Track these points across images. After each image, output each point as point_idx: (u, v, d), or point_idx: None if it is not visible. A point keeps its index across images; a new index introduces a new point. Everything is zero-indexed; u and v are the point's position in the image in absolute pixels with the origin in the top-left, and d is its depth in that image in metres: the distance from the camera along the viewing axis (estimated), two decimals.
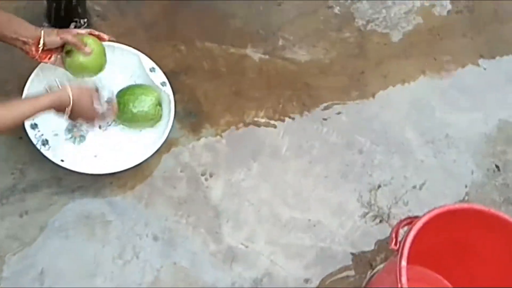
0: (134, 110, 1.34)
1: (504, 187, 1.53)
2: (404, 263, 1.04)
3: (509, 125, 1.63)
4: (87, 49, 1.22)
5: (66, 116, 1.14)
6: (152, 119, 1.37)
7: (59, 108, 1.12)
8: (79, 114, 1.16)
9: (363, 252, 1.37)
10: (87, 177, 1.29)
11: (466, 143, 1.58)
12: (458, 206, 1.23)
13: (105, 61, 1.29)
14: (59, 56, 1.24)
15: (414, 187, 1.49)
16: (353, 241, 1.38)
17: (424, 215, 1.11)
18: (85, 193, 1.31)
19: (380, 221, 1.42)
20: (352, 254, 1.37)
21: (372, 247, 1.38)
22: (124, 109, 1.35)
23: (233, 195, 1.39)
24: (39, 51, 1.19)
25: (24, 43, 1.17)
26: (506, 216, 1.15)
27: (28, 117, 1.09)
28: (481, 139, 1.59)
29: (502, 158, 1.57)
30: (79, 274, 1.23)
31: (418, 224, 1.09)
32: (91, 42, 1.24)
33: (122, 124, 1.38)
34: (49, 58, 1.23)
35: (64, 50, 1.23)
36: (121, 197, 1.33)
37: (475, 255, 1.25)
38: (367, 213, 1.43)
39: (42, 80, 1.32)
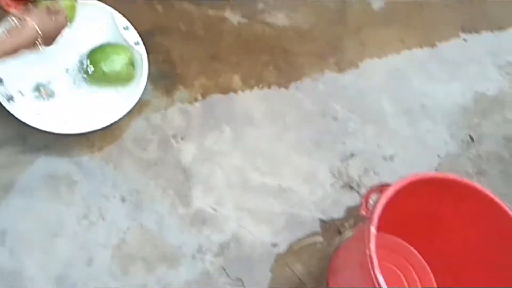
0: (106, 70, 1.31)
1: (477, 159, 1.52)
2: (373, 229, 1.02)
3: (486, 98, 1.62)
4: None
5: (41, 48, 1.12)
6: (124, 79, 1.34)
7: (28, 45, 1.10)
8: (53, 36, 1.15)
9: (333, 219, 1.36)
10: (53, 136, 1.25)
11: (442, 114, 1.56)
12: (431, 175, 1.21)
13: (75, 14, 1.24)
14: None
15: (386, 156, 1.47)
16: (323, 208, 1.37)
17: (396, 182, 1.09)
18: (51, 152, 1.27)
19: (351, 190, 1.41)
20: (321, 220, 1.35)
21: (342, 215, 1.37)
22: (95, 68, 1.32)
23: (204, 159, 1.36)
24: None
25: None
26: (479, 186, 1.14)
27: None
28: (457, 111, 1.58)
29: (477, 130, 1.56)
30: (42, 234, 1.20)
31: (390, 190, 1.06)
32: None
33: (93, 84, 1.34)
34: (17, 7, 1.18)
35: None
36: (89, 158, 1.29)
37: (445, 225, 1.24)
38: (338, 181, 1.41)
39: None
